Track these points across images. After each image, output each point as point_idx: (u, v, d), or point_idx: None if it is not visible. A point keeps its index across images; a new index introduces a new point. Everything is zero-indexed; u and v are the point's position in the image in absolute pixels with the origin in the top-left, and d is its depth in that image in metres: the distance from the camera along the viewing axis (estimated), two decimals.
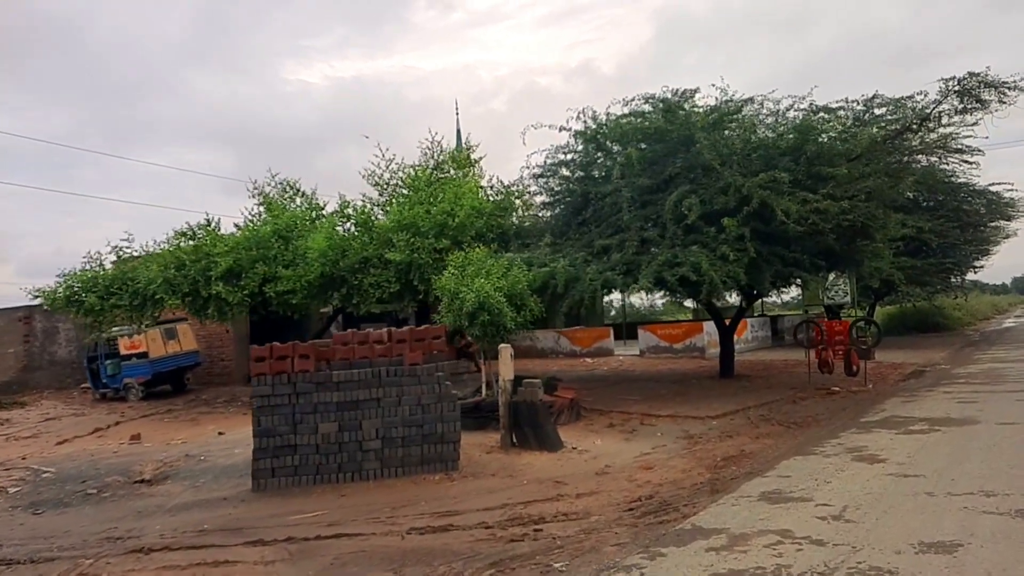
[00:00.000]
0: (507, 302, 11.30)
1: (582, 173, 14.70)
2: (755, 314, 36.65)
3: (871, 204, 13.67)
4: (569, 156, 14.61)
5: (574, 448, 9.14)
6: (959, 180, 27.41)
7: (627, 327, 31.17)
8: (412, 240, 15.00)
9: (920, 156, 27.83)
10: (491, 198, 17.21)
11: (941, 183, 26.72)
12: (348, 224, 17.41)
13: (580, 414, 11.72)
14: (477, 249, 12.25)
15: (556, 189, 14.89)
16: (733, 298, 20.64)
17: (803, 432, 9.62)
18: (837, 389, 13.47)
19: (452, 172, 17.70)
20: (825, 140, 13.21)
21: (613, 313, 54.75)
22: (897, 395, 12.86)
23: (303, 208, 16.66)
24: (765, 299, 41.32)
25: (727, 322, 16.91)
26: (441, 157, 17.93)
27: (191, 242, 14.96)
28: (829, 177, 12.73)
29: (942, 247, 27.31)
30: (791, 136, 13.43)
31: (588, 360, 22.93)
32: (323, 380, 7.88)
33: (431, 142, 17.94)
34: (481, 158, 18.26)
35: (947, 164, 27.39)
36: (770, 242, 13.06)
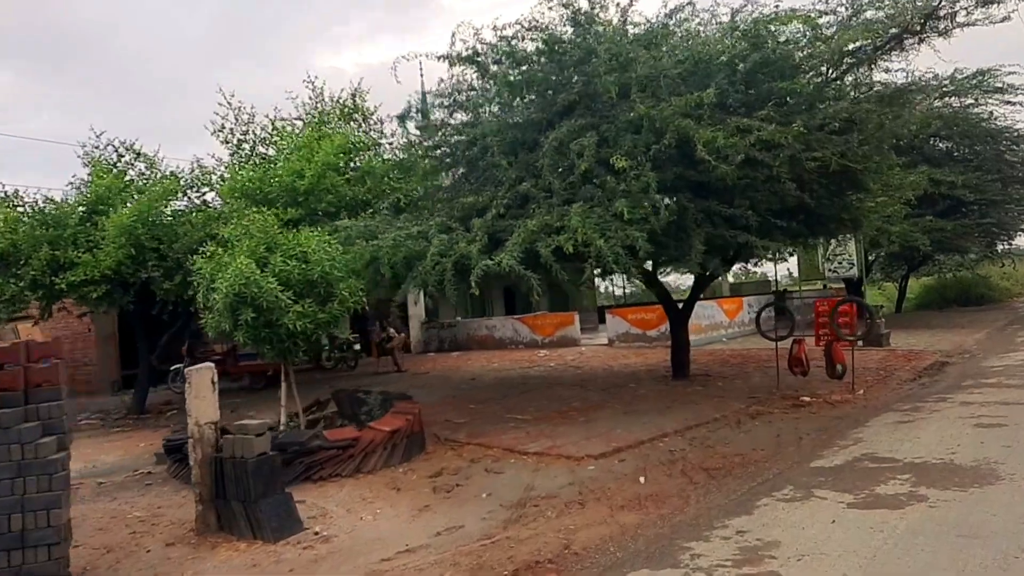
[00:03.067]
0: (299, 291, 7.78)
1: (469, 115, 10.93)
2: (778, 290, 32.14)
3: (851, 138, 9.75)
4: (450, 92, 10.86)
5: (316, 533, 5.59)
6: (999, 125, 22.82)
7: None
8: (256, 210, 11.56)
9: (951, 97, 23.56)
10: (393, 158, 13.68)
11: (976, 127, 22.18)
12: (208, 194, 14.05)
13: (421, 448, 8.18)
14: (256, 213, 8.71)
15: (436, 139, 11.12)
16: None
17: (704, 494, 5.92)
18: (808, 399, 9.64)
19: (343, 128, 14.16)
20: (781, 48, 9.26)
21: (619, 293, 49.98)
22: (892, 409, 9.00)
23: (144, 177, 13.27)
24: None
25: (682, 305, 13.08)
26: (326, 108, 14.40)
27: None
28: (782, 96, 8.88)
29: (980, 205, 22.83)
30: (743, 46, 9.50)
31: (542, 352, 19.29)
32: None
33: (312, 89, 14.43)
34: (376, 108, 14.66)
35: (984, 105, 23.00)
36: (702, 195, 9.28)
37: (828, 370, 10.29)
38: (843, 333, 10.22)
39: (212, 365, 5.87)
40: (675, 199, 9.12)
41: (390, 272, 8.51)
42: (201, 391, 5.67)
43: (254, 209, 9.64)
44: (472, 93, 10.69)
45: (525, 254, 8.22)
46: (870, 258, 28.56)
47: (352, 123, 14.34)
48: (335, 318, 8.08)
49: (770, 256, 12.32)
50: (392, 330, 17.63)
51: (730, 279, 46.82)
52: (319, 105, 14.32)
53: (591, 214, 8.23)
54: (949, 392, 9.89)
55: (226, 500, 5.62)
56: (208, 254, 7.86)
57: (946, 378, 11.34)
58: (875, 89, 10.69)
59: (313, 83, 14.27)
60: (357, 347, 18.50)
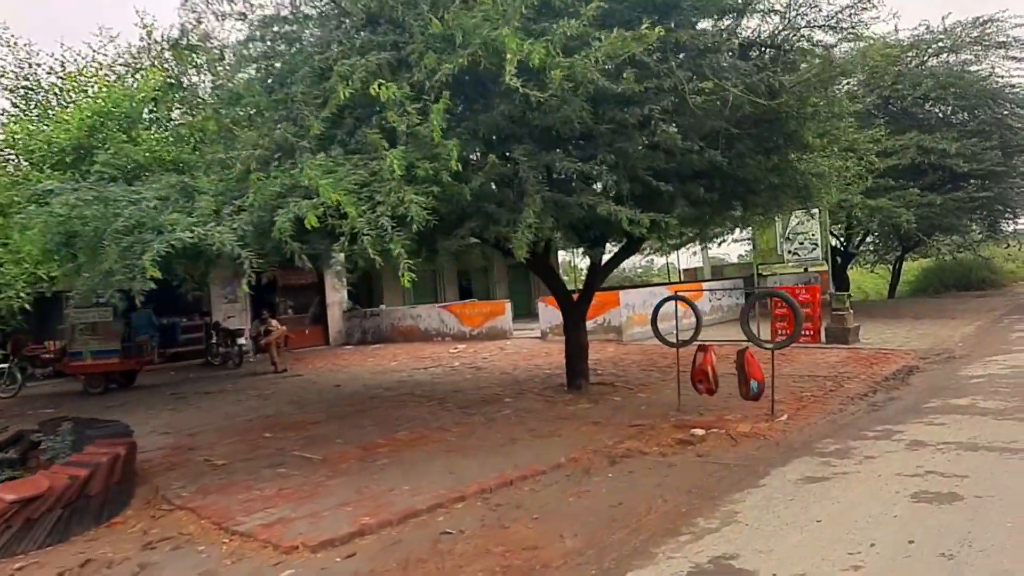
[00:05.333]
0: None
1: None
2: (758, 273, 28.87)
3: (762, 63, 7.12)
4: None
5: None
6: (1000, 83, 19.85)
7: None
8: (19, 174, 8.95)
9: (947, 54, 20.56)
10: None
11: (973, 87, 19.22)
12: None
13: (111, 512, 5.59)
14: None
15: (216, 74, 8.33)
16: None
17: None
18: (700, 432, 6.96)
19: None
20: None
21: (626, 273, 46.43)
22: (812, 450, 6.32)
23: None
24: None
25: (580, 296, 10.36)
26: (160, 47, 11.65)
27: None
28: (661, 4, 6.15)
29: (978, 177, 19.89)
30: None
31: (459, 347, 16.67)
32: None
33: (142, 27, 11.71)
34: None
35: (984, 61, 20.06)
36: (549, 145, 6.59)
37: (740, 388, 7.58)
38: (755, 336, 7.52)
39: None
40: (505, 149, 6.45)
41: (40, 254, 5.87)
42: None
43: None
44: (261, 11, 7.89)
45: (256, 226, 5.57)
46: (856, 239, 25.76)
47: (192, 68, 11.58)
48: None
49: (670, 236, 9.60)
50: (275, 322, 15.03)
51: (735, 259, 43.35)
52: (151, 47, 11.58)
53: (358, 168, 5.55)
54: (902, 420, 7.20)
55: None
56: None
57: (907, 394, 8.64)
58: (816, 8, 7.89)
59: (142, 19, 11.52)
60: (242, 341, 15.92)
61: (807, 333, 13.94)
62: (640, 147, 6.69)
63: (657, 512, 4.99)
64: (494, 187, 6.41)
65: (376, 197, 5.38)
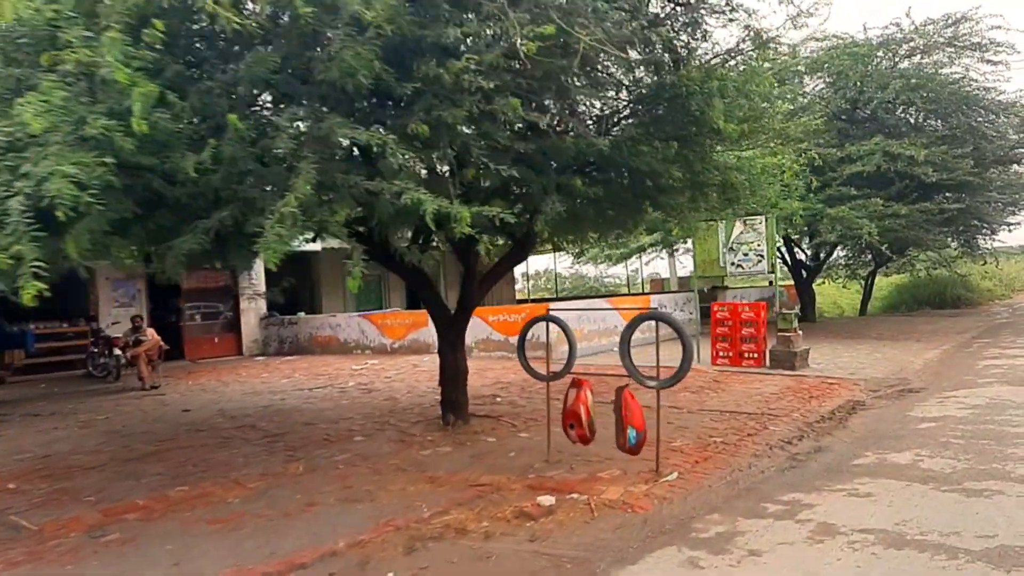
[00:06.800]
0: None
1: None
2: (719, 287, 26.97)
3: (672, 28, 5.46)
4: None
5: None
6: (973, 87, 18.39)
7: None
8: None
9: (918, 56, 19.11)
10: None
11: (945, 88, 17.75)
12: None
13: None
14: None
15: None
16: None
17: None
18: (549, 502, 5.20)
19: None
20: None
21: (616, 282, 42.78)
22: (682, 536, 4.59)
23: None
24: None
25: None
26: None
27: None
28: None
29: (948, 188, 18.37)
30: None
31: (368, 363, 14.86)
32: None
33: None
34: None
35: (956, 63, 18.63)
36: (344, 114, 4.88)
37: (617, 437, 5.86)
38: (636, 371, 5.82)
39: None
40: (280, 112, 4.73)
41: None
42: None
43: None
44: None
45: None
46: (823, 252, 24.19)
47: None
48: None
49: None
50: (150, 331, 13.20)
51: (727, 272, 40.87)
52: None
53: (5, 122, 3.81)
54: (819, 485, 5.51)
55: None
56: None
57: (839, 443, 6.97)
58: None
59: None
60: (118, 352, 14.04)
61: (752, 356, 12.36)
62: (474, 118, 4.98)
63: None
64: (261, 164, 4.66)
65: (22, 167, 3.65)
